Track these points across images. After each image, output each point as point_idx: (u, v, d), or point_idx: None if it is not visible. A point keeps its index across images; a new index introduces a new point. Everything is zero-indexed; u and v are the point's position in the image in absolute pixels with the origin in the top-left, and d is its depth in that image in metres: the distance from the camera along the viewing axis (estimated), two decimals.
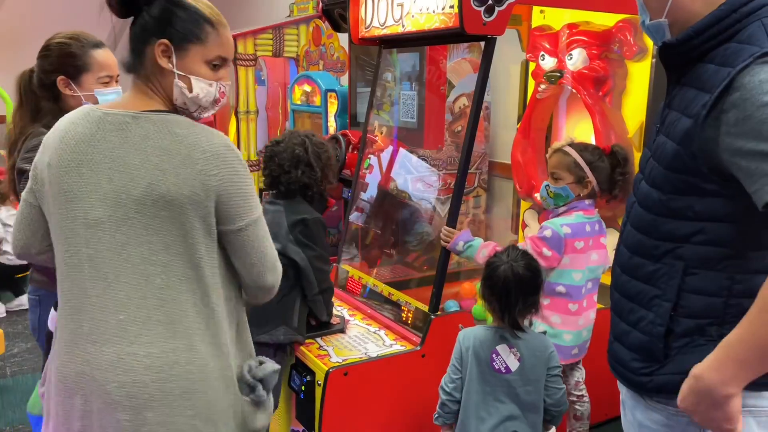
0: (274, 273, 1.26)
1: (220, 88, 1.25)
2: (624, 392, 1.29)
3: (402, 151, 3.33)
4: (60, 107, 1.70)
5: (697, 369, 1.03)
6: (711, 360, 1.01)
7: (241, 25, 4.77)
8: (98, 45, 1.77)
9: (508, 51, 3.12)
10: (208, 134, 1.18)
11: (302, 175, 2.01)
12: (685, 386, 1.05)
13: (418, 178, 3.40)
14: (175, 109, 1.23)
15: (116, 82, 1.80)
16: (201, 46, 1.20)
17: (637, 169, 2.41)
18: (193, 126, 1.18)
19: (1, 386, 3.03)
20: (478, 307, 2.69)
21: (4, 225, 3.84)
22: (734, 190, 1.01)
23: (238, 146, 4.75)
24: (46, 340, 1.64)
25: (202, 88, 1.21)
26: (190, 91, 1.20)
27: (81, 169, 1.15)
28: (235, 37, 4.36)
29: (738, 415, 1.03)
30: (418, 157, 3.40)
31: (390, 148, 3.31)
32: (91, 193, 1.14)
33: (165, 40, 1.17)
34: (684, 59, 1.12)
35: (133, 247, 1.13)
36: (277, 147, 2.04)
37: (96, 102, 1.71)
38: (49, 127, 1.65)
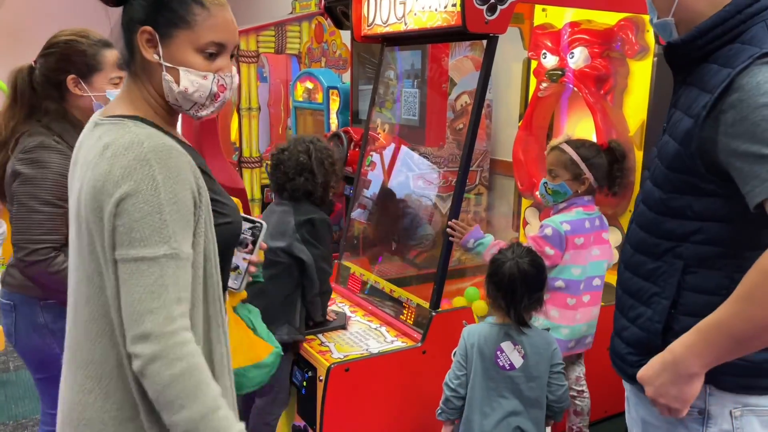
0: (145, 342, 0.91)
1: (217, 80, 1.05)
2: (628, 389, 1.31)
3: (404, 148, 3.35)
4: (64, 108, 1.65)
5: (670, 345, 1.08)
6: (684, 337, 1.06)
7: (243, 22, 4.78)
8: (108, 44, 1.70)
9: (510, 49, 3.12)
10: (132, 144, 0.95)
11: (306, 182, 2.03)
12: (654, 359, 1.10)
13: (419, 176, 3.41)
14: (170, 109, 1.08)
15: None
16: (189, 30, 1.01)
17: (639, 166, 2.45)
18: (126, 134, 0.97)
19: (4, 380, 3.05)
20: (471, 289, 2.72)
21: None
22: (732, 190, 1.02)
23: (240, 143, 4.76)
24: None
25: (193, 81, 1.03)
26: (178, 85, 1.03)
27: (70, 180, 1.10)
28: None
29: (689, 402, 1.08)
30: (420, 154, 3.41)
31: (392, 146, 3.32)
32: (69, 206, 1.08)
33: (148, 28, 1.01)
34: (689, 59, 1.13)
35: (74, 271, 1.03)
36: (282, 155, 2.07)
37: (107, 102, 1.67)
38: (48, 127, 1.61)
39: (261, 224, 1.30)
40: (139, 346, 0.90)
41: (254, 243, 1.30)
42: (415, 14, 2.30)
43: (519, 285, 1.67)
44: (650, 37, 2.41)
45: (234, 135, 4.88)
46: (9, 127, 1.63)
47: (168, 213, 0.93)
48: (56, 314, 1.65)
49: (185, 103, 1.06)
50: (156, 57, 1.02)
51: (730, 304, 1.00)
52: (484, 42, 2.19)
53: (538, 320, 2.04)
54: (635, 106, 2.50)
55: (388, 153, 3.30)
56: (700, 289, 1.11)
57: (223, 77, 1.07)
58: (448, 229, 2.18)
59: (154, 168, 0.93)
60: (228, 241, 1.12)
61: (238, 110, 4.54)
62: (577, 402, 2.24)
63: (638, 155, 2.49)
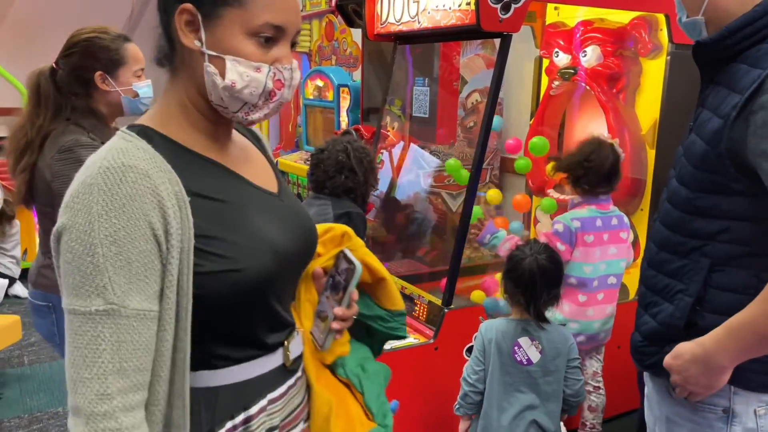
0: (76, 419, 0.74)
1: (273, 74, 0.83)
2: (650, 387, 1.32)
3: (413, 146, 3.36)
4: (89, 104, 1.67)
5: (700, 339, 1.11)
6: (714, 333, 1.09)
7: None
8: (128, 39, 1.73)
9: (522, 47, 3.13)
10: (93, 162, 0.77)
11: (346, 180, 2.08)
12: (684, 349, 1.13)
13: (429, 174, 3.42)
14: (215, 115, 0.87)
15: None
16: (240, 9, 0.80)
17: (651, 165, 2.45)
18: (102, 150, 0.80)
19: (19, 374, 3.09)
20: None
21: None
22: (761, 190, 1.04)
23: None
24: None
25: (242, 73, 0.81)
26: (223, 78, 0.81)
27: None
28: None
29: (716, 390, 1.12)
30: (430, 152, 3.42)
31: (401, 144, 3.34)
32: None
33: (188, 5, 0.80)
34: (717, 58, 1.14)
35: None
36: (322, 155, 2.12)
37: (135, 95, 1.71)
38: (78, 124, 1.63)
39: (354, 267, 0.97)
40: (71, 418, 0.74)
41: (345, 289, 0.98)
42: (429, 13, 2.31)
43: (538, 281, 1.69)
44: (663, 35, 2.42)
45: None
46: (35, 127, 1.63)
47: (102, 255, 0.73)
48: None
49: (233, 103, 0.83)
50: (197, 43, 0.81)
51: (757, 303, 1.02)
52: (495, 40, 2.20)
53: (553, 313, 2.06)
54: (648, 104, 2.51)
55: (396, 151, 3.31)
56: (726, 288, 1.13)
57: (281, 70, 0.84)
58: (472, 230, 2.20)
59: (93, 196, 0.74)
60: (228, 294, 0.81)
61: None
62: (592, 398, 2.26)
63: (650, 154, 2.50)
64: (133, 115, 1.85)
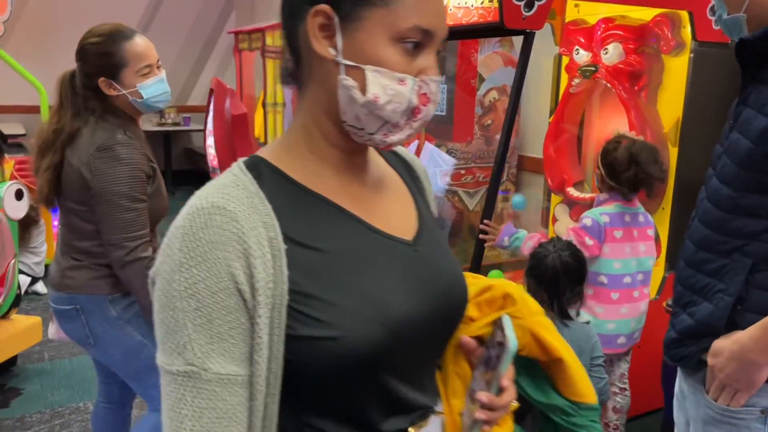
0: None
1: (419, 87, 0.70)
2: (685, 387, 1.31)
3: (428, 145, 3.36)
4: (108, 104, 1.66)
5: (737, 335, 1.12)
6: (750, 330, 1.10)
7: (269, 17, 4.81)
8: (130, 36, 1.64)
9: (541, 45, 3.09)
10: (190, 203, 0.68)
11: None
12: (722, 347, 1.13)
13: (446, 172, 3.42)
14: (345, 140, 0.74)
15: (158, 68, 1.69)
16: (385, 9, 0.67)
17: (673, 163, 2.42)
18: (201, 189, 0.70)
19: (39, 370, 3.12)
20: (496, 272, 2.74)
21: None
22: None
23: (265, 139, 4.79)
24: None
25: (385, 86, 0.68)
26: (363, 92, 0.68)
27: None
28: (264, 29, 4.40)
29: (757, 387, 1.12)
30: (447, 150, 3.42)
31: (415, 143, 3.33)
32: None
33: (324, 7, 0.68)
34: (760, 56, 1.13)
35: None
36: None
37: (140, 97, 1.65)
38: (103, 119, 1.63)
39: (506, 342, 0.75)
40: None
41: (495, 369, 0.76)
42: (451, 10, 2.31)
43: (561, 277, 1.69)
44: (686, 33, 2.40)
45: (258, 130, 4.92)
46: (58, 126, 1.63)
47: (182, 310, 0.64)
48: (124, 306, 1.69)
49: (371, 123, 0.70)
50: (332, 51, 0.69)
51: None
52: (513, 38, 2.20)
53: (585, 317, 2.05)
54: (670, 102, 2.49)
55: (411, 150, 3.31)
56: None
57: (427, 82, 0.70)
58: (481, 235, 2.19)
59: (178, 241, 0.65)
60: (324, 366, 0.68)
61: (264, 106, 4.57)
62: (618, 399, 2.25)
63: (672, 152, 2.48)
64: (150, 113, 1.83)
